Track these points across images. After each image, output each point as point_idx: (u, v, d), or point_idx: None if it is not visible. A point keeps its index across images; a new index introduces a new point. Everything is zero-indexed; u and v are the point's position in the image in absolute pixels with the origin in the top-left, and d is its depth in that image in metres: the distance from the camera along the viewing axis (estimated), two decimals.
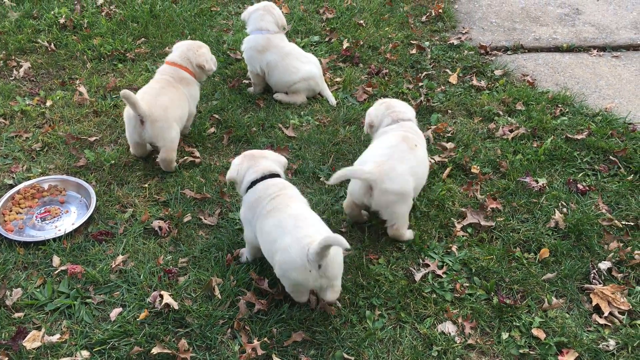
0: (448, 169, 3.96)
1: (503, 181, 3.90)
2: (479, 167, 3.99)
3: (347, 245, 2.56)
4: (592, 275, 3.23)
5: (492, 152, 4.16)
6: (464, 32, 5.88)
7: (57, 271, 3.17)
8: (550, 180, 3.91)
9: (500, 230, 3.54)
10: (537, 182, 3.85)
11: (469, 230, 3.54)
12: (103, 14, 5.86)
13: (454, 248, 3.40)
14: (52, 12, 5.77)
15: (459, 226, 3.54)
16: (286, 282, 2.87)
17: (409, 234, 3.42)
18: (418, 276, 3.20)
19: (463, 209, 3.65)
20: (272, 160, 3.22)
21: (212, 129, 4.35)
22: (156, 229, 3.46)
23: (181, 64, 4.08)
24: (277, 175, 3.14)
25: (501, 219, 3.59)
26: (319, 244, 2.60)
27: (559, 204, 3.72)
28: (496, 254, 3.35)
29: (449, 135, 4.33)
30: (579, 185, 3.84)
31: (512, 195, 3.78)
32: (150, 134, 3.77)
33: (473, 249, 3.41)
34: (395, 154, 3.29)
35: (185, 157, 4.02)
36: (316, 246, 2.62)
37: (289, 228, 2.81)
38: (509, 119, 4.53)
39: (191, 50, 4.13)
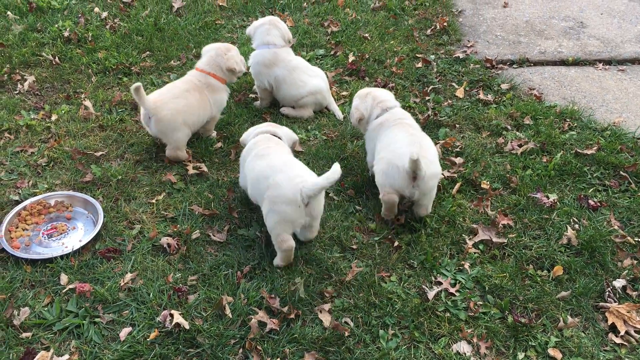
0: (458, 185, 3.92)
1: (513, 197, 3.86)
2: (488, 183, 3.96)
3: (338, 176, 2.99)
4: (607, 293, 3.19)
5: (501, 167, 4.13)
6: (469, 45, 5.87)
7: (65, 289, 3.12)
8: (561, 196, 3.88)
9: (512, 247, 3.50)
10: (548, 197, 3.82)
11: (481, 247, 3.50)
12: (107, 27, 5.84)
13: (467, 265, 3.36)
14: (56, 25, 5.75)
15: (470, 243, 3.51)
16: (274, 217, 3.13)
17: None
18: (431, 294, 3.16)
19: (474, 225, 3.61)
20: (281, 131, 3.65)
21: (219, 144, 4.32)
22: (165, 245, 3.41)
23: (209, 71, 4.15)
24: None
25: (513, 236, 3.56)
26: (317, 186, 3.02)
27: (571, 220, 3.69)
28: (509, 271, 3.31)
29: (458, 150, 4.30)
30: (590, 201, 3.80)
31: (523, 211, 3.75)
32: (154, 130, 3.94)
33: (485, 266, 3.37)
34: (414, 143, 3.49)
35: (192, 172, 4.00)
36: (312, 187, 3.02)
37: (281, 168, 3.18)
38: (518, 133, 4.51)
39: (220, 56, 4.18)
